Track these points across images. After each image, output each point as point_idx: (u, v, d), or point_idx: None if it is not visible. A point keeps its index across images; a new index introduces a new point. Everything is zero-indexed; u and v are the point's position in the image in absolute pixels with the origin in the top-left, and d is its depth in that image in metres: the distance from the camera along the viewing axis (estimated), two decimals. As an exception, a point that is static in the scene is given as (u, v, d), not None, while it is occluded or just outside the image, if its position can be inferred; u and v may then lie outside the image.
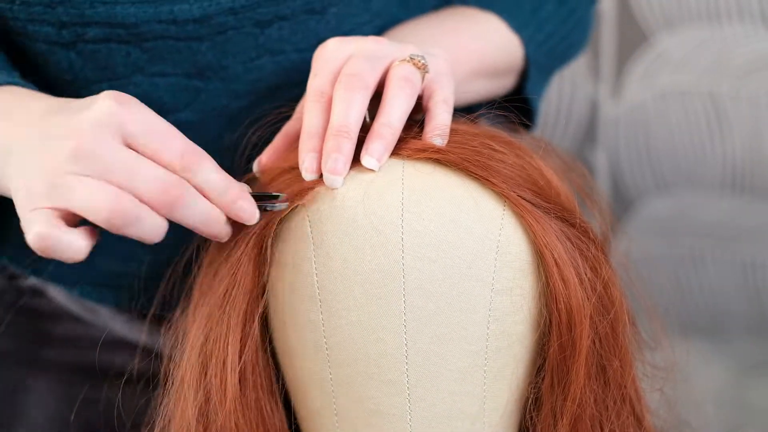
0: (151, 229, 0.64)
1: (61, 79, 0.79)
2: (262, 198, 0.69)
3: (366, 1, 0.81)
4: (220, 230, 0.67)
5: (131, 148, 0.64)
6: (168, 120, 0.80)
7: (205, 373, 0.69)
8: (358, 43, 0.72)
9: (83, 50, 0.77)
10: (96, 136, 0.63)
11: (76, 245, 0.64)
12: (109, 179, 0.63)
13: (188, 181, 0.65)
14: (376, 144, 0.68)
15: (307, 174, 0.68)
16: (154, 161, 0.64)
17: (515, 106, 0.92)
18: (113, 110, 0.64)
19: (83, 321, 0.89)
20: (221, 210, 0.66)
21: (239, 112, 0.81)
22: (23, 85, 0.73)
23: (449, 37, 0.83)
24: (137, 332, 0.88)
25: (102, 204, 0.62)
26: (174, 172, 0.65)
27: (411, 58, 0.71)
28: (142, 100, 0.78)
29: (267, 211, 0.69)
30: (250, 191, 0.69)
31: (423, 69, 0.71)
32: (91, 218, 0.63)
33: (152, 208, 0.64)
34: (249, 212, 0.67)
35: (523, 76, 0.91)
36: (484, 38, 0.86)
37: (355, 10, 0.81)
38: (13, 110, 0.70)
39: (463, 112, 0.91)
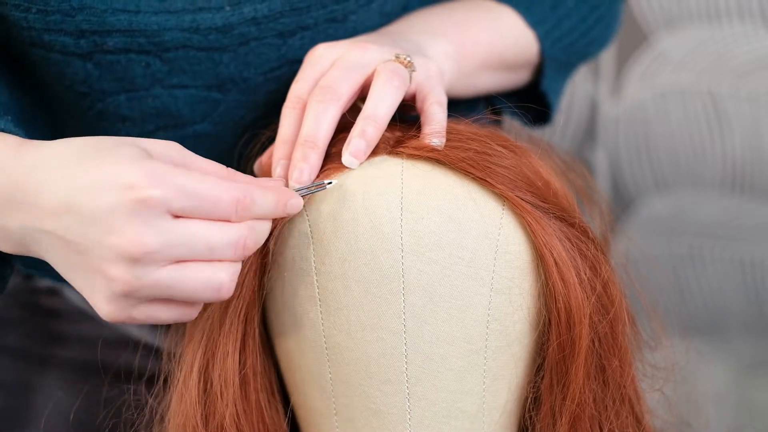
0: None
1: (76, 91, 0.78)
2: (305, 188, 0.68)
3: (382, 5, 0.81)
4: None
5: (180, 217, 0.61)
6: (186, 131, 0.80)
7: (207, 374, 0.69)
8: (345, 48, 0.72)
9: (101, 61, 0.76)
10: (150, 229, 0.59)
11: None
12: (192, 258, 0.60)
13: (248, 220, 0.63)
14: (357, 141, 0.68)
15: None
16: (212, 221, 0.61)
17: (532, 100, 0.91)
18: (150, 194, 0.59)
19: (97, 321, 0.89)
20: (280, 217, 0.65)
21: (255, 122, 0.80)
22: (11, 132, 0.68)
23: (457, 28, 0.82)
24: (150, 333, 0.88)
25: (207, 290, 0.61)
26: (231, 221, 0.62)
27: (396, 57, 0.71)
28: (160, 113, 0.78)
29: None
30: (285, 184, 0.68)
31: (409, 66, 0.71)
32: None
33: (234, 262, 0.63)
34: (298, 206, 0.65)
35: (540, 71, 0.90)
36: (496, 30, 0.85)
37: (372, 15, 0.81)
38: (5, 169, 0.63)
39: (488, 105, 0.90)
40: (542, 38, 0.88)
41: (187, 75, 0.77)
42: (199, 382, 0.69)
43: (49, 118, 0.82)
